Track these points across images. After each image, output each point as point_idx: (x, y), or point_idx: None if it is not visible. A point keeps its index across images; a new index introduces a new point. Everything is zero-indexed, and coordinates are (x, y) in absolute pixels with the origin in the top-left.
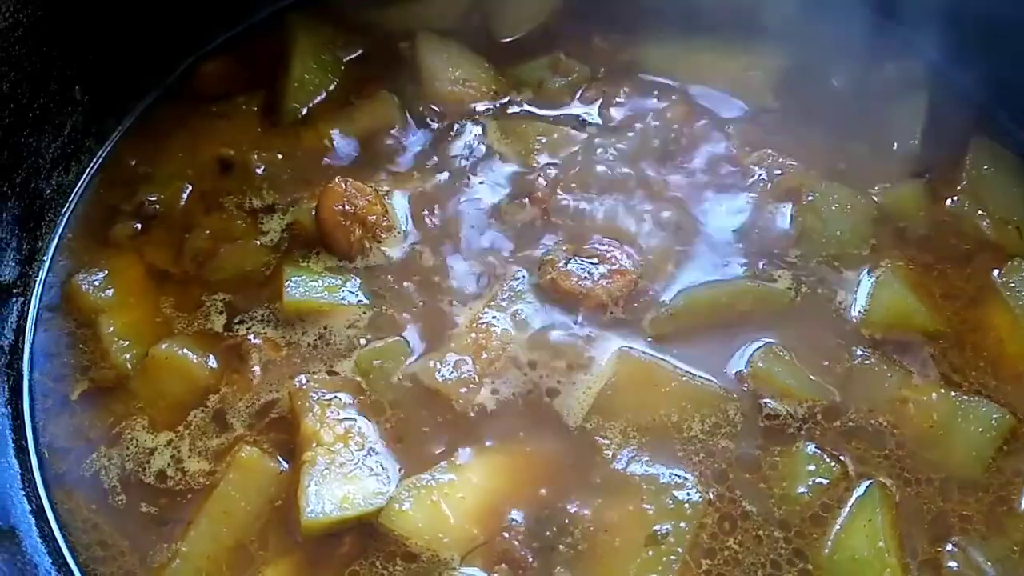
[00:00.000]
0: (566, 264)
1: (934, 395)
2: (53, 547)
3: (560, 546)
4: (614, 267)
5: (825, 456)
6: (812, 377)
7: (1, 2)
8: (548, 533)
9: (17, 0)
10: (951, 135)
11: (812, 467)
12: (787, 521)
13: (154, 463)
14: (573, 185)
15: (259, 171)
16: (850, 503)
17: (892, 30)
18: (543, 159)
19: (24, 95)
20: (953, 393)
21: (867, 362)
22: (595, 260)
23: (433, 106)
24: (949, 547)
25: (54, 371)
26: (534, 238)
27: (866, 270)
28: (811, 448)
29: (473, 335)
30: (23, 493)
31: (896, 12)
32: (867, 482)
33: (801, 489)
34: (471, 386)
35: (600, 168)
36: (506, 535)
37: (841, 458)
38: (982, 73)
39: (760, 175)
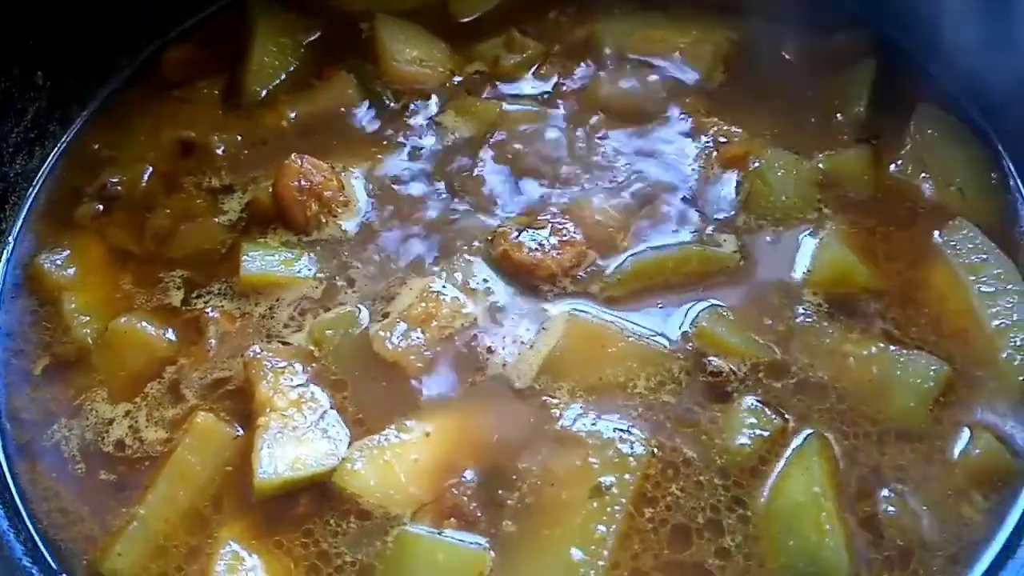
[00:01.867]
0: (518, 236)
1: (874, 349)
2: (13, 513)
3: (508, 501)
4: (565, 238)
5: (766, 409)
6: (755, 336)
7: None
8: (498, 490)
9: None
10: (897, 102)
11: (753, 420)
12: (727, 470)
13: (112, 433)
14: (525, 159)
15: (219, 152)
16: (787, 453)
17: (840, 2)
18: (497, 135)
19: None
20: (893, 347)
21: (808, 320)
22: (546, 231)
23: (390, 86)
24: (886, 492)
25: (17, 348)
26: (486, 211)
27: (809, 232)
28: (752, 401)
29: (423, 304)
30: None
31: None
32: (806, 432)
33: (742, 440)
34: (421, 352)
35: (551, 142)
36: (455, 491)
37: (782, 411)
38: (927, 40)
39: (707, 143)
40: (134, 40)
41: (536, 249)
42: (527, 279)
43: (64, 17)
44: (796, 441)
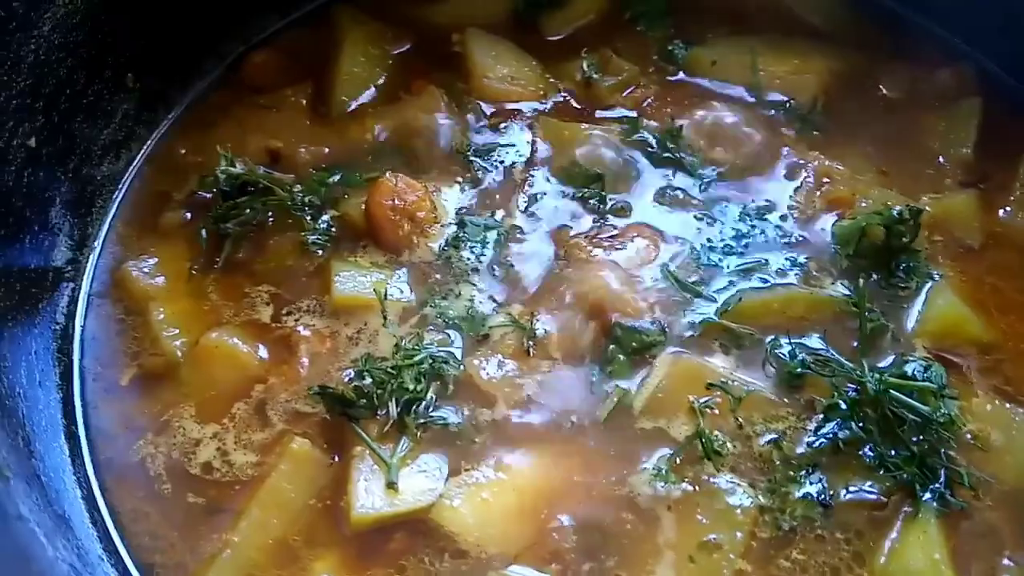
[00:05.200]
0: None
1: (988, 407)
2: (104, 535)
3: (607, 551)
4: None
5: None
6: None
7: None
8: (598, 535)
9: None
10: (1005, 144)
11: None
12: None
13: (200, 454)
14: (617, 185)
15: (306, 164)
16: (904, 513)
17: (944, 36)
18: (589, 160)
19: (79, 81)
20: (1008, 405)
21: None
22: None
23: (480, 103)
24: (1005, 561)
25: (104, 357)
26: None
27: (918, 280)
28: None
29: (520, 333)
30: (74, 478)
31: (949, 18)
32: (925, 492)
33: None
34: (517, 385)
35: (646, 169)
36: (555, 536)
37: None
38: None
39: (807, 179)
40: (220, 42)
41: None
42: None
43: (153, 19)
44: (916, 499)
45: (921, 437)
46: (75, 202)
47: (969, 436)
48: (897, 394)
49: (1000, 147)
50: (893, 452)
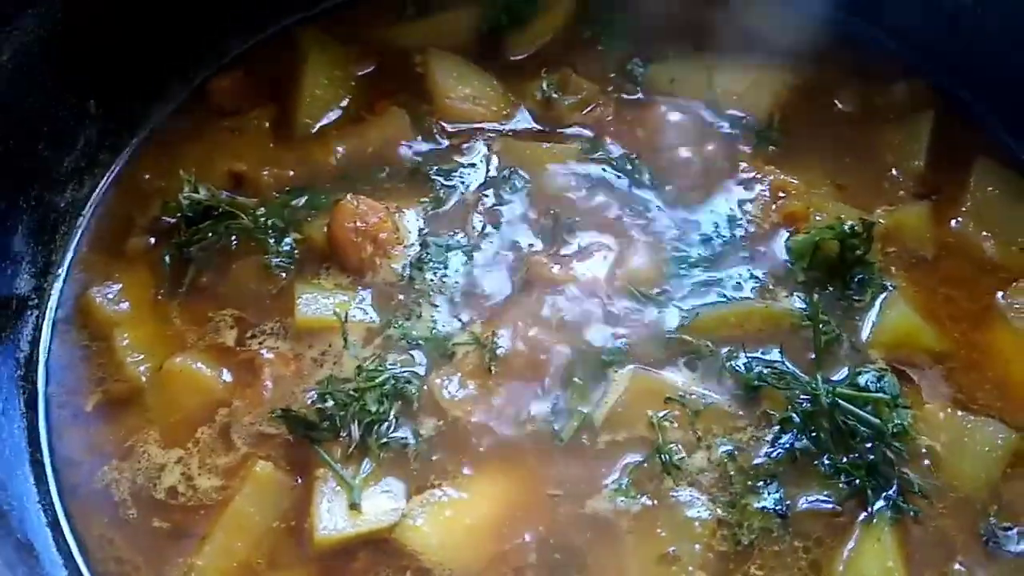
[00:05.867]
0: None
1: (941, 415)
2: (70, 562)
3: (572, 569)
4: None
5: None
6: None
7: (21, 17)
8: (561, 555)
9: (36, 16)
10: (956, 156)
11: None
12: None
13: (165, 478)
14: (573, 206)
15: (270, 186)
16: (860, 520)
17: (897, 51)
18: (549, 180)
19: (40, 108)
20: (959, 413)
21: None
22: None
23: (443, 123)
24: (956, 566)
25: (69, 383)
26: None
27: (872, 291)
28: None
29: (481, 352)
30: (39, 506)
31: (902, 33)
32: (879, 501)
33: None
34: (479, 403)
35: (605, 187)
36: (518, 553)
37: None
38: (988, 94)
39: (763, 193)
40: (183, 67)
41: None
42: None
43: (114, 45)
44: (870, 508)
45: (874, 446)
46: (38, 230)
47: (922, 446)
48: (848, 406)
49: (952, 159)
50: (846, 461)
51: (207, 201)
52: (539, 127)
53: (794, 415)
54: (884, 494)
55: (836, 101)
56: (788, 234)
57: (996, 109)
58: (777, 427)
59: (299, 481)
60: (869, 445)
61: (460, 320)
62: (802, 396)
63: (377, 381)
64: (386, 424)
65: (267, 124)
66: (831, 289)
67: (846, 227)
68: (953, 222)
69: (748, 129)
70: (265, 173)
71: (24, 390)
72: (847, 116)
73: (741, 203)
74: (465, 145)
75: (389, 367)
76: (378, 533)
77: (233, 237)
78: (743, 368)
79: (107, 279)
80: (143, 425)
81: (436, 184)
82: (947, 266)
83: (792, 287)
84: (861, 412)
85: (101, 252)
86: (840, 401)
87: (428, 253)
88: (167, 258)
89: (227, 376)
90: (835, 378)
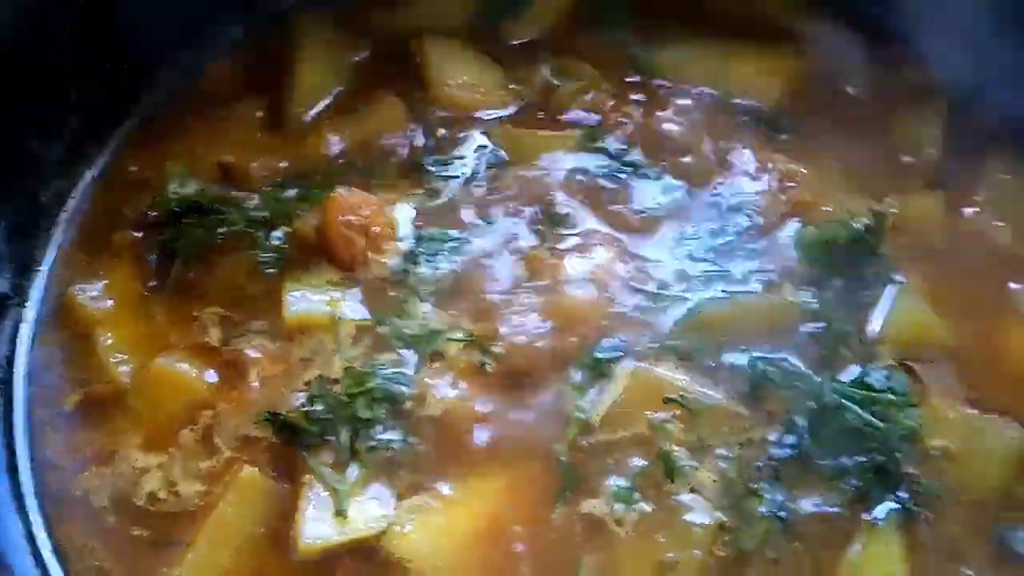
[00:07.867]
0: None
1: (951, 414)
2: (45, 572)
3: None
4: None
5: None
6: None
7: None
8: (554, 560)
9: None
10: (969, 144)
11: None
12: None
13: (146, 484)
14: (578, 194)
15: (260, 178)
16: (866, 521)
17: (910, 36)
18: (548, 170)
19: (21, 98)
20: (971, 411)
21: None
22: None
23: (440, 111)
24: (965, 570)
25: (50, 384)
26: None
27: (883, 283)
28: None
29: (473, 352)
30: (15, 514)
31: (915, 18)
32: (885, 504)
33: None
34: (472, 405)
35: (608, 175)
36: (511, 560)
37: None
38: (1002, 80)
39: (771, 182)
40: (171, 56)
41: None
42: None
43: (99, 34)
44: (876, 511)
45: (882, 448)
46: (20, 226)
47: (931, 446)
48: (855, 408)
49: (964, 146)
50: (853, 463)
51: (195, 196)
52: (540, 114)
53: (800, 415)
54: (891, 497)
55: (847, 87)
56: (797, 225)
57: (1012, 95)
58: (781, 427)
59: (285, 487)
60: (877, 447)
61: (454, 317)
62: (807, 396)
63: (367, 385)
64: (375, 429)
65: (258, 114)
66: (839, 282)
67: (854, 222)
68: (966, 211)
69: (756, 115)
70: (255, 164)
71: (2, 392)
72: (858, 103)
73: (748, 193)
74: (463, 134)
75: (379, 368)
76: (366, 540)
77: (220, 231)
78: (747, 366)
79: (91, 276)
80: (125, 428)
81: (431, 175)
82: (960, 257)
83: (799, 281)
84: (869, 416)
85: (85, 248)
86: (847, 403)
87: (422, 247)
88: (152, 255)
89: (212, 377)
90: (843, 376)
